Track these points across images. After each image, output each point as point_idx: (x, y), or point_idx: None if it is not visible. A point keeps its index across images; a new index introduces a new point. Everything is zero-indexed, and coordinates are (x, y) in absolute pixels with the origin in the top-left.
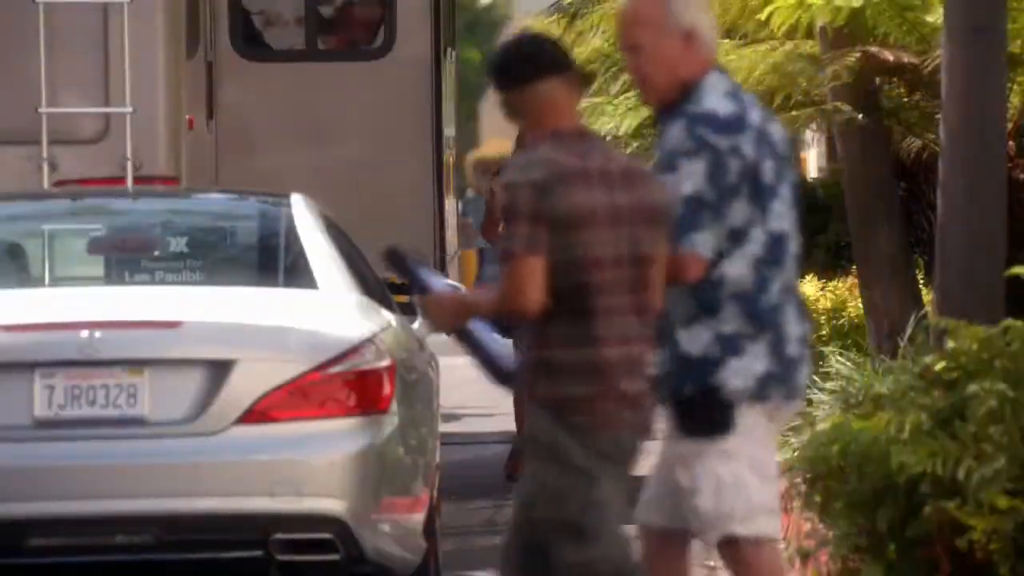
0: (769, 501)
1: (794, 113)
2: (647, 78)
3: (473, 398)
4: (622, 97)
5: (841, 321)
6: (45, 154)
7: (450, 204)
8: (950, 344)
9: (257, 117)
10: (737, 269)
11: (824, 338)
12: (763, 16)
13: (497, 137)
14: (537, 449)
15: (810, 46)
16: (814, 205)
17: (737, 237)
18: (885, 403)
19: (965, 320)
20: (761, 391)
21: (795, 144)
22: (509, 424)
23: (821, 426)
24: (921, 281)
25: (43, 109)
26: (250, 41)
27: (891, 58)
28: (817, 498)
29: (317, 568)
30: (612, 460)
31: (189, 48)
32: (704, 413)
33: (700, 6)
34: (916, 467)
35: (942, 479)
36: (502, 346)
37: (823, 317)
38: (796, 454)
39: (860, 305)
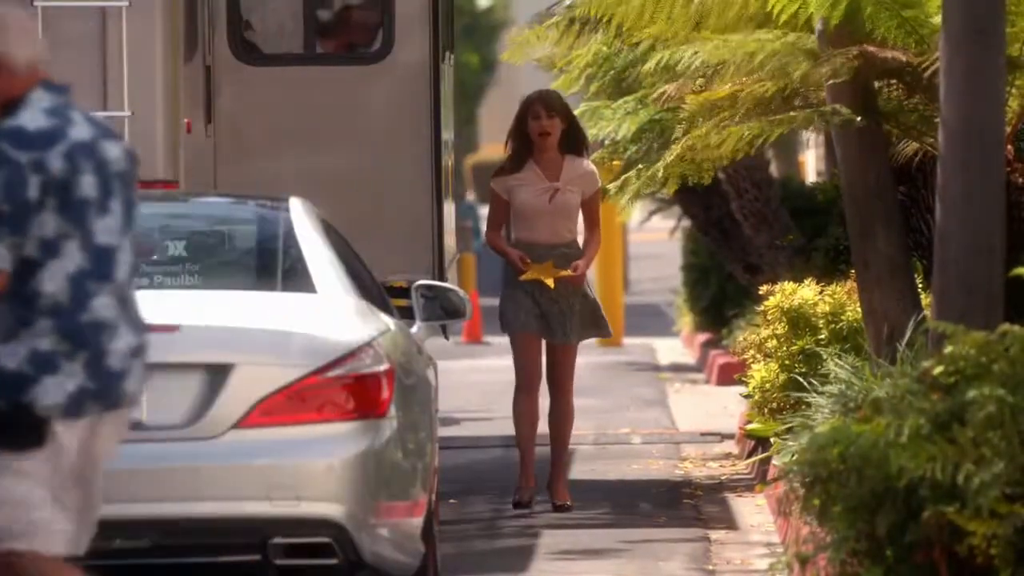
0: (58, 521)
1: (792, 115)
2: None
3: (472, 402)
4: (620, 101)
5: (840, 325)
6: None
7: (449, 207)
8: (948, 348)
9: (255, 121)
10: (52, 284)
11: (823, 342)
12: None
13: (496, 141)
14: None
15: (811, 41)
16: (813, 208)
17: (49, 250)
18: (884, 407)
19: (964, 324)
20: (75, 408)
21: (793, 146)
22: (508, 428)
23: (820, 429)
24: (920, 285)
25: None
26: (248, 45)
27: (890, 58)
28: (815, 502)
29: (315, 572)
30: None
31: (187, 52)
32: (13, 428)
33: (11, 36)
34: (915, 471)
35: (941, 483)
36: None
37: (821, 321)
38: (794, 457)
39: (859, 309)
